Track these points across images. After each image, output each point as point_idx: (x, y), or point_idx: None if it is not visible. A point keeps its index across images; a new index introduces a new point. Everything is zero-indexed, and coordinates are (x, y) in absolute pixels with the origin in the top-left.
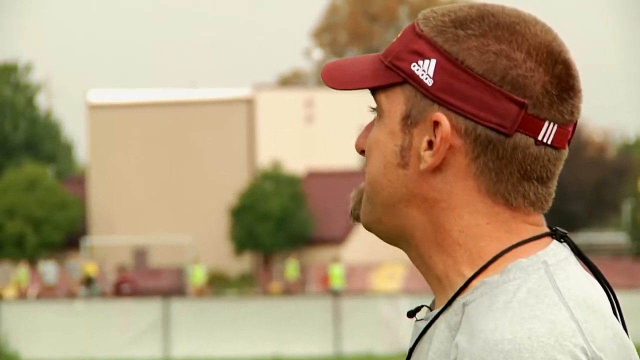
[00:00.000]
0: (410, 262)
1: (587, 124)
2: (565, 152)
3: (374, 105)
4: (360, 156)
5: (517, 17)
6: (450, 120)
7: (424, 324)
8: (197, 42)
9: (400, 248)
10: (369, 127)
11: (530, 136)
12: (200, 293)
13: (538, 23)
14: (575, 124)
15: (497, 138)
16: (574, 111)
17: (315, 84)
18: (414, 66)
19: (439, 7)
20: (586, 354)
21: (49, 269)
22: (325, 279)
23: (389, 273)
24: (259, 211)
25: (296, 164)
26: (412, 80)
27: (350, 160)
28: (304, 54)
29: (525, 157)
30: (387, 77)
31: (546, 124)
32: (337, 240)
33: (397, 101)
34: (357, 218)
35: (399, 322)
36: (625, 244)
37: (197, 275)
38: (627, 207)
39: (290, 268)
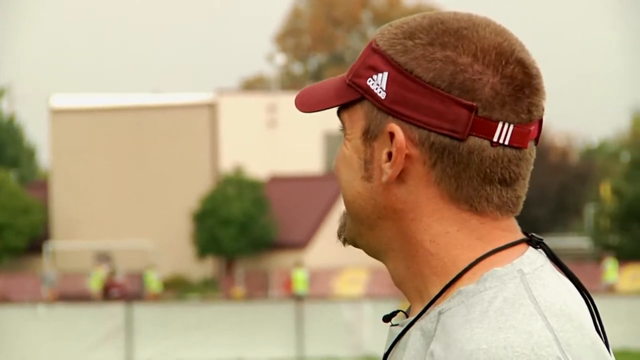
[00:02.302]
0: (373, 267)
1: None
2: (529, 152)
3: (340, 125)
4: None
5: (467, 21)
6: (404, 130)
7: (399, 330)
8: (159, 47)
9: (381, 261)
10: None
11: (484, 138)
12: (156, 298)
13: (489, 25)
14: (539, 123)
15: (452, 144)
16: (531, 109)
17: (278, 88)
18: (369, 81)
19: (396, 20)
20: None
21: None
22: (288, 284)
23: (351, 278)
24: (222, 216)
25: (259, 169)
26: (368, 95)
27: (313, 165)
28: (267, 58)
29: (482, 160)
30: (348, 95)
31: (500, 124)
32: (300, 245)
33: (358, 117)
34: (344, 241)
35: (361, 326)
36: (587, 249)
37: (151, 281)
38: (589, 212)
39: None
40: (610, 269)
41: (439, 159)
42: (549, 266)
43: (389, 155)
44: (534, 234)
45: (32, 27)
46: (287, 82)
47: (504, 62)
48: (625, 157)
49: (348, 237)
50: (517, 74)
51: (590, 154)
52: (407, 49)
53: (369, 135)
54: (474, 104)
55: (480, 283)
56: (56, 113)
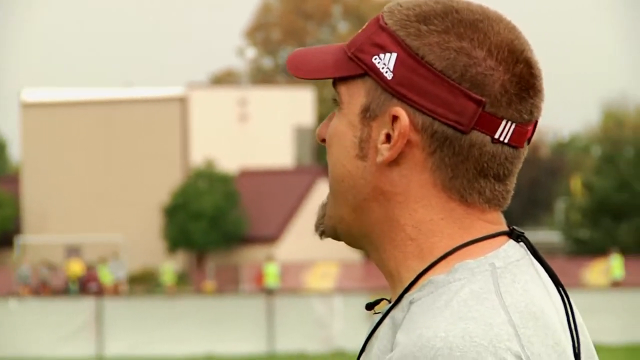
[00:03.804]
0: (344, 261)
1: None
2: (524, 151)
3: (335, 96)
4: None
5: (481, 14)
6: (408, 115)
7: (378, 318)
8: (130, 40)
9: (362, 248)
10: (331, 117)
11: (486, 134)
12: (113, 292)
13: (502, 21)
14: (535, 123)
15: (454, 135)
16: (533, 110)
17: (249, 82)
18: (375, 59)
19: (405, 0)
20: (520, 359)
21: None
22: (259, 278)
23: (322, 272)
24: (192, 210)
25: (229, 163)
26: (373, 73)
27: (284, 159)
28: (237, 52)
29: (481, 154)
30: (349, 68)
31: (503, 122)
32: (271, 239)
33: (358, 93)
34: (322, 233)
35: (332, 320)
36: (558, 243)
37: (104, 275)
38: (560, 206)
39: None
40: (616, 265)
41: (439, 147)
42: (526, 261)
43: (387, 136)
44: (515, 227)
45: (1, 22)
46: (258, 76)
47: (514, 61)
48: (596, 151)
49: (328, 225)
50: (525, 74)
51: (561, 149)
52: (420, 33)
53: (369, 114)
54: (483, 99)
55: (451, 274)
56: (27, 107)
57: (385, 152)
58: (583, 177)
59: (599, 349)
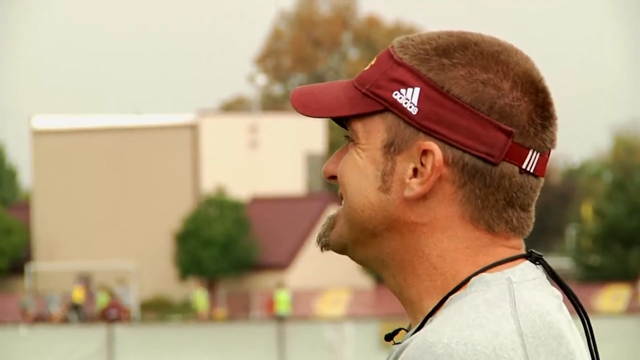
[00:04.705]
0: (354, 288)
1: None
2: (543, 180)
3: (348, 132)
4: (329, 182)
5: (499, 45)
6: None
7: (397, 348)
8: (141, 68)
9: (375, 270)
10: (340, 154)
11: (515, 164)
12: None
13: (517, 52)
14: (549, 152)
15: (484, 167)
16: (553, 139)
17: (259, 109)
18: (396, 94)
19: (414, 34)
20: None
21: None
22: (270, 305)
23: (333, 298)
24: (203, 237)
25: (240, 190)
26: (395, 108)
27: (295, 185)
28: (247, 80)
29: (511, 185)
30: (366, 105)
31: (530, 152)
32: (282, 265)
33: (377, 129)
34: (325, 245)
35: (342, 346)
36: (569, 269)
37: (102, 303)
38: (571, 232)
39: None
40: None
41: (469, 180)
42: (543, 281)
43: (414, 170)
44: (533, 250)
45: (13, 48)
46: (268, 103)
47: (536, 91)
48: (607, 177)
49: (336, 242)
50: (545, 103)
51: (572, 175)
52: (444, 66)
53: (393, 149)
54: (513, 130)
55: (468, 288)
56: (38, 134)
57: (415, 186)
58: (594, 203)
59: None
